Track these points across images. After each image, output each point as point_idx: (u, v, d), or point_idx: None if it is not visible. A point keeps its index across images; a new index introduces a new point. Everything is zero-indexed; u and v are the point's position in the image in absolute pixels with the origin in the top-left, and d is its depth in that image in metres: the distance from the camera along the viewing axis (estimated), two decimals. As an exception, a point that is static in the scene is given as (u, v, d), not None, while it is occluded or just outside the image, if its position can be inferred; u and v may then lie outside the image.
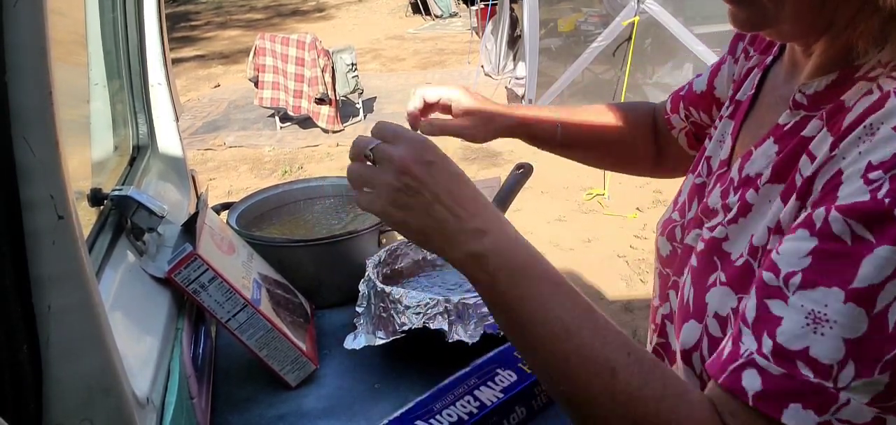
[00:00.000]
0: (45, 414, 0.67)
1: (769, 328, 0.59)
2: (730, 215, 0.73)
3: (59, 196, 0.62)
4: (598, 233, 4.30)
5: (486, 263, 0.64)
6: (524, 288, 0.65)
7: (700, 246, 0.76)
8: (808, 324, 0.56)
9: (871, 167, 0.56)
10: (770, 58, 0.83)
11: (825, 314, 0.55)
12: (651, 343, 0.90)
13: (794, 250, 0.59)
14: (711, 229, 0.75)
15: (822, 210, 0.58)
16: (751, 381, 0.58)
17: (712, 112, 1.02)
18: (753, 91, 0.83)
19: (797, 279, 0.58)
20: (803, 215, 0.60)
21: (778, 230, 0.65)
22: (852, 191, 0.56)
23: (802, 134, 0.67)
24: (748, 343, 0.60)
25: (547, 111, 1.14)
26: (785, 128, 0.71)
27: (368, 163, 0.68)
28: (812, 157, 0.64)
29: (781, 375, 0.57)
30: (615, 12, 5.81)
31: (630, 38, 5.37)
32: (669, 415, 0.60)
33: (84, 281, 0.66)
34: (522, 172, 1.48)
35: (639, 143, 1.16)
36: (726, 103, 0.89)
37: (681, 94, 1.09)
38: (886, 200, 0.54)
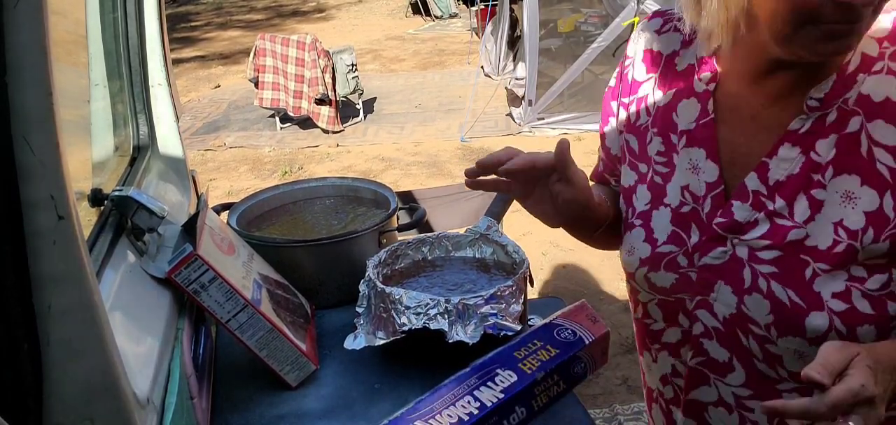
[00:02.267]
0: (45, 414, 0.67)
1: None
2: (800, 215, 0.84)
3: (59, 196, 0.62)
4: (598, 234, 4.29)
5: None
6: None
7: (768, 254, 0.85)
8: None
9: None
10: (713, 86, 0.92)
11: None
12: (686, 365, 0.96)
13: None
14: (769, 238, 0.85)
15: None
16: None
17: (617, 170, 1.07)
18: (712, 115, 0.92)
19: None
20: None
21: None
22: None
23: (847, 131, 0.82)
24: None
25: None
26: (801, 131, 0.84)
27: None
28: (885, 146, 0.80)
29: None
30: (615, 13, 5.81)
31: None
32: None
33: (84, 281, 0.66)
34: (522, 172, 1.48)
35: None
36: (657, 140, 0.96)
37: (599, 170, 1.14)
38: None
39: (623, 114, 1.02)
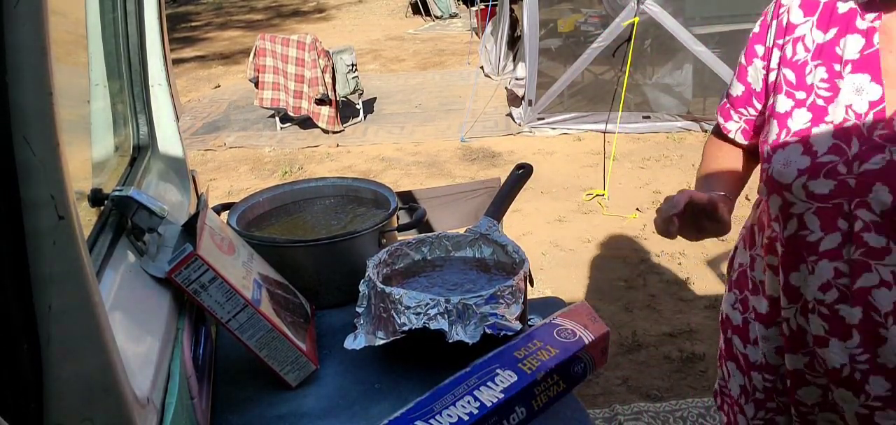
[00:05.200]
0: (45, 414, 0.67)
1: None
2: None
3: (59, 196, 0.62)
4: (598, 234, 4.29)
5: None
6: None
7: None
8: None
9: None
10: (878, 22, 1.09)
11: None
12: (850, 261, 1.10)
13: None
14: None
15: None
16: None
17: (753, 103, 1.28)
18: (878, 47, 1.09)
19: None
20: None
21: None
22: None
23: None
24: None
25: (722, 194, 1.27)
26: None
27: None
28: None
29: None
30: (615, 13, 5.81)
31: (630, 38, 5.37)
32: None
33: (84, 281, 0.66)
34: (522, 172, 1.48)
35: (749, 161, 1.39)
36: (820, 70, 1.13)
37: (727, 106, 1.33)
38: None
39: (777, 54, 1.20)
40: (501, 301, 1.12)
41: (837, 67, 1.13)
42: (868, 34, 1.11)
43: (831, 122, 1.11)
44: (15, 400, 0.64)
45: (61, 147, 0.61)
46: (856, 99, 1.10)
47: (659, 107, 6.15)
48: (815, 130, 1.12)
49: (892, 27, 1.10)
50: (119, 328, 0.79)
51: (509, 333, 1.10)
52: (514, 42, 7.91)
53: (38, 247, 0.63)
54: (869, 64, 1.10)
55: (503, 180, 1.48)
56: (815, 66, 1.15)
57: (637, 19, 5.47)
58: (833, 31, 1.14)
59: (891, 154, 1.05)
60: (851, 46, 1.12)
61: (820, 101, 1.13)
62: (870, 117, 1.08)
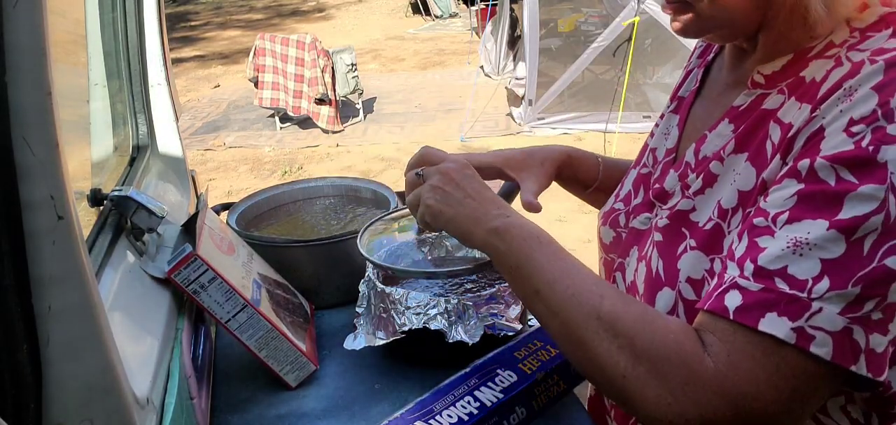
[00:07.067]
0: (45, 414, 0.67)
1: (752, 255, 0.66)
2: (695, 188, 0.82)
3: (59, 196, 0.62)
4: (598, 234, 4.30)
5: (503, 233, 0.81)
6: (532, 248, 0.78)
7: (662, 222, 0.85)
8: (788, 247, 0.64)
9: (852, 122, 0.65)
10: (712, 55, 0.95)
11: (806, 240, 0.63)
12: None
13: (781, 196, 0.67)
14: (672, 208, 0.84)
15: (806, 160, 0.66)
16: (732, 300, 0.66)
17: None
18: (697, 86, 0.94)
19: (784, 216, 0.66)
20: (786, 168, 0.69)
21: (761, 188, 0.73)
22: (836, 143, 0.65)
23: (764, 107, 0.77)
24: (732, 271, 0.68)
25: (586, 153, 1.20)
26: (741, 109, 0.81)
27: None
28: (781, 123, 0.74)
29: (760, 290, 0.64)
30: (615, 12, 5.81)
31: (630, 38, 5.38)
32: (649, 327, 0.68)
33: (84, 281, 0.66)
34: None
35: None
36: (667, 103, 1.00)
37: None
38: (870, 148, 0.62)
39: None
40: (501, 301, 1.12)
41: (668, 105, 0.99)
42: (700, 70, 0.96)
43: (637, 166, 0.98)
44: (15, 401, 0.64)
45: (60, 147, 0.61)
46: (661, 143, 0.94)
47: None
48: (630, 172, 1.00)
49: (720, 66, 0.92)
50: (118, 328, 0.79)
51: (509, 333, 1.09)
52: (514, 42, 7.91)
53: (38, 247, 0.63)
54: (684, 106, 0.94)
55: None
56: (669, 102, 1.01)
57: (637, 19, 5.48)
58: (697, 61, 0.99)
59: (657, 216, 0.87)
60: (689, 83, 0.97)
61: (650, 138, 1.00)
62: (659, 168, 0.92)
